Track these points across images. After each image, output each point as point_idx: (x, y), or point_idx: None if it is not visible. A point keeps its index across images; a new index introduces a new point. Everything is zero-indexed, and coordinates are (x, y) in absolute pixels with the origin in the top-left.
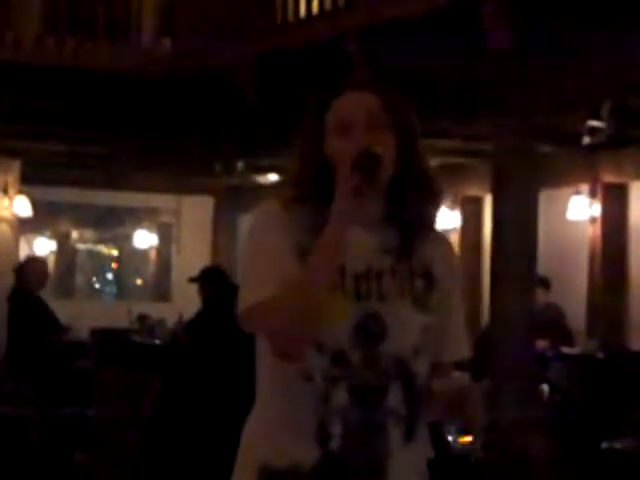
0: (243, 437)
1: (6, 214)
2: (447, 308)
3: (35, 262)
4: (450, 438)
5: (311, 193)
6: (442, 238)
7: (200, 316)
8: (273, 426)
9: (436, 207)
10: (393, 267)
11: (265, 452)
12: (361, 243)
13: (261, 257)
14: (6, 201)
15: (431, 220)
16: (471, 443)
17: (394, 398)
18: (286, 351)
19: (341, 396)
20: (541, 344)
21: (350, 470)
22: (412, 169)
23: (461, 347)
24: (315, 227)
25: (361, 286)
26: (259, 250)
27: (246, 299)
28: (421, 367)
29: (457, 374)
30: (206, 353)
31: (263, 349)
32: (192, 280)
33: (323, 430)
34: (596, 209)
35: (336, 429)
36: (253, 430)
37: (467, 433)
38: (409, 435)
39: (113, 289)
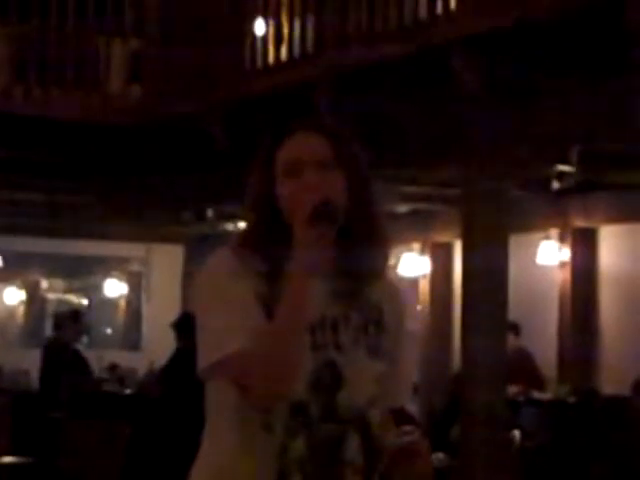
0: None
1: None
2: (395, 353)
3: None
4: None
5: (263, 238)
6: (391, 285)
7: (172, 365)
8: (230, 476)
9: (386, 254)
10: (346, 315)
11: None
12: (315, 292)
13: (222, 308)
14: None
15: (381, 268)
16: None
17: (351, 449)
18: (259, 403)
19: (299, 448)
20: (512, 389)
21: None
22: (362, 215)
23: (403, 396)
24: (272, 274)
25: (317, 336)
26: (219, 301)
27: (210, 355)
28: (375, 416)
29: (407, 427)
30: (178, 403)
31: (222, 400)
32: (173, 325)
33: None
34: (565, 254)
35: None
36: (205, 477)
37: None
38: None
39: (83, 338)
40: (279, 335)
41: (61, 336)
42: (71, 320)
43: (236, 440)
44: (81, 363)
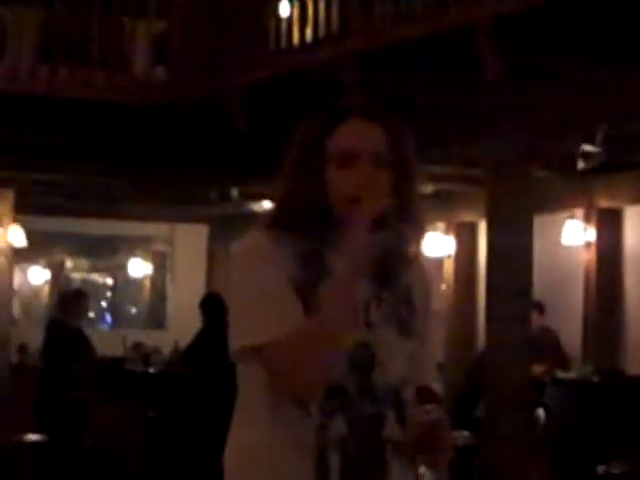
0: (229, 466)
1: (0, 244)
2: (424, 334)
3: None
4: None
5: (302, 218)
6: (421, 267)
7: (197, 344)
8: (272, 458)
9: (419, 242)
10: (378, 296)
11: None
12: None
13: (256, 294)
14: (0, 230)
15: (414, 252)
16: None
17: (390, 427)
18: (298, 394)
19: (338, 427)
20: (537, 369)
21: None
22: (404, 205)
23: (429, 375)
24: (309, 257)
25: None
26: (252, 285)
27: (242, 340)
28: (409, 394)
29: (429, 406)
30: (203, 383)
31: (255, 380)
32: (200, 304)
33: (322, 461)
34: (591, 234)
35: (334, 460)
36: (248, 462)
37: (433, 467)
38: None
39: (108, 317)
40: (318, 338)
41: (64, 315)
42: (74, 299)
43: (270, 420)
44: (82, 342)
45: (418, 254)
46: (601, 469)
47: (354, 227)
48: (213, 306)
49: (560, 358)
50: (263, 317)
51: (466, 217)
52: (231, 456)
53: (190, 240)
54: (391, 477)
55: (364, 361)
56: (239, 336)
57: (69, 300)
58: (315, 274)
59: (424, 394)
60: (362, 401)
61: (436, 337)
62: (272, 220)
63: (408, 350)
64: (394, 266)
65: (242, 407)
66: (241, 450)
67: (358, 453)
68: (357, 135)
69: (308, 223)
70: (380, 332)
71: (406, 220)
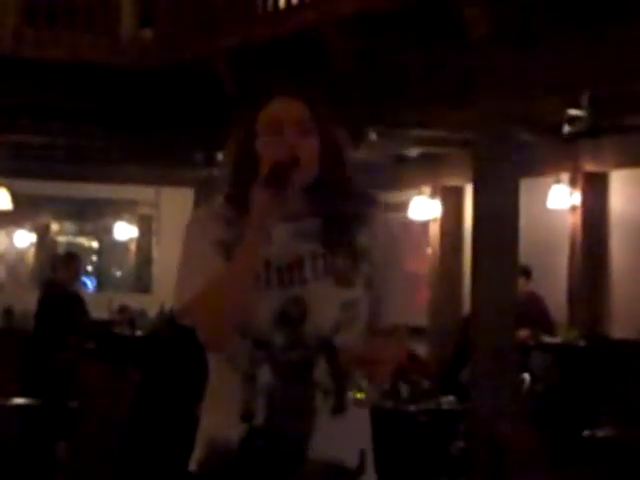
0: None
1: None
2: (379, 277)
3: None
4: None
5: (236, 195)
6: (376, 218)
7: None
8: (212, 408)
9: (357, 201)
10: (314, 253)
11: (208, 429)
12: (285, 237)
13: (189, 259)
14: None
15: (356, 209)
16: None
17: (319, 372)
18: (208, 342)
19: (265, 376)
20: (522, 333)
21: (273, 443)
22: (333, 171)
23: (397, 313)
24: (236, 224)
25: (284, 275)
26: (188, 253)
27: (177, 300)
28: (344, 341)
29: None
30: (187, 345)
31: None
32: None
33: (248, 408)
34: (576, 198)
35: (260, 406)
36: (203, 408)
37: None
38: (338, 407)
39: (93, 281)
40: (230, 272)
41: (57, 277)
42: (66, 262)
43: (212, 374)
44: (78, 304)
45: (375, 215)
46: (586, 433)
47: (260, 187)
48: None
49: (545, 322)
50: (186, 280)
51: (452, 181)
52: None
53: (176, 203)
54: (319, 421)
55: (293, 315)
56: (174, 300)
57: (62, 262)
58: (239, 234)
59: (411, 361)
60: (290, 350)
61: (399, 280)
62: (215, 190)
63: (344, 298)
64: (335, 224)
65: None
66: (206, 399)
67: (285, 398)
68: (279, 109)
69: (238, 190)
70: (313, 286)
71: (342, 190)
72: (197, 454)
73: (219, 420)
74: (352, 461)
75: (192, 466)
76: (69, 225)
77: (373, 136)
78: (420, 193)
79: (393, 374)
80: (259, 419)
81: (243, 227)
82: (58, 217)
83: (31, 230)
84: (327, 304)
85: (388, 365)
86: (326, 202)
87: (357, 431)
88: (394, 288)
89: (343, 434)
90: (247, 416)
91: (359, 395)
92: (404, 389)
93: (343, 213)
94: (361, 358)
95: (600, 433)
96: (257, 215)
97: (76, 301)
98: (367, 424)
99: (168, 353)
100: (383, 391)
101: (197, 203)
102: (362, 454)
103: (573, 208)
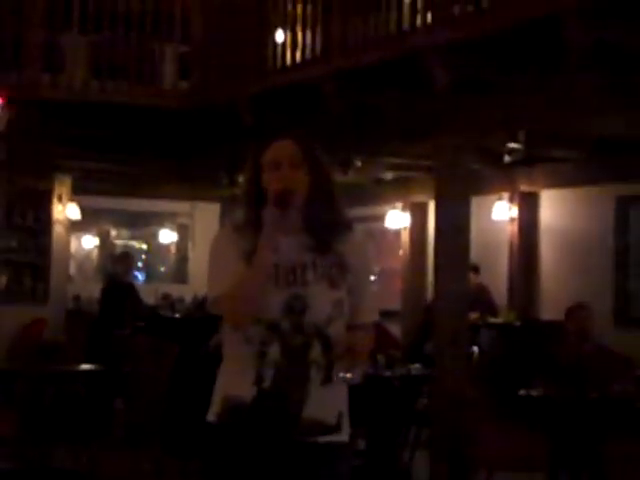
0: (217, 378)
1: (61, 217)
2: (359, 287)
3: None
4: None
5: (252, 216)
6: (353, 239)
7: None
8: (229, 374)
9: (339, 214)
10: (314, 261)
11: (226, 389)
12: (289, 247)
13: (218, 263)
14: (60, 207)
15: (339, 224)
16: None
17: (315, 353)
18: (235, 324)
19: (274, 353)
20: (473, 315)
21: (276, 403)
22: (321, 192)
23: (370, 312)
24: (255, 239)
25: (289, 277)
26: (217, 259)
27: (209, 294)
28: (334, 330)
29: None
30: (215, 324)
31: (224, 326)
32: None
33: (259, 376)
34: (514, 212)
35: (268, 375)
36: (220, 374)
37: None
38: (326, 379)
39: (143, 275)
40: (249, 274)
41: (115, 272)
42: (122, 259)
43: (229, 352)
44: (134, 293)
45: (350, 227)
46: (522, 392)
47: (269, 203)
48: None
49: (491, 307)
50: (218, 278)
51: (419, 198)
52: (218, 375)
53: (206, 215)
54: (312, 388)
55: (296, 307)
56: (208, 293)
57: (119, 259)
58: (253, 244)
59: (384, 336)
60: (294, 334)
61: (371, 289)
62: (236, 219)
63: (335, 298)
64: (325, 238)
65: (223, 341)
66: (220, 371)
67: (286, 370)
68: (277, 150)
69: (253, 213)
70: (312, 287)
71: (328, 208)
72: (214, 408)
73: (235, 383)
74: (332, 420)
75: (210, 418)
76: (124, 231)
77: (358, 163)
78: (394, 208)
79: (369, 358)
80: (267, 384)
81: (258, 239)
82: (116, 225)
83: (95, 235)
84: (322, 301)
85: (365, 351)
86: (315, 218)
87: (337, 397)
88: (369, 288)
89: (327, 400)
90: (258, 382)
91: (348, 375)
92: (381, 359)
93: (328, 227)
94: (346, 345)
95: (533, 392)
96: (268, 230)
97: (130, 290)
98: (345, 392)
99: (199, 329)
100: (364, 373)
101: (222, 215)
102: (340, 415)
103: (511, 220)
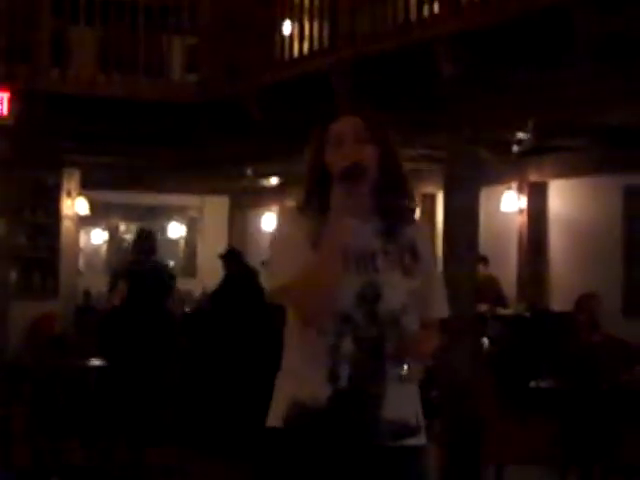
0: (277, 380)
1: (69, 212)
2: (428, 277)
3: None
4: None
5: (315, 195)
6: (421, 225)
7: (221, 288)
8: (299, 372)
9: (410, 199)
10: (384, 247)
11: (294, 390)
12: (358, 231)
13: (283, 247)
14: (69, 202)
15: (409, 209)
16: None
17: (390, 345)
18: (308, 319)
19: (348, 346)
20: (482, 307)
21: (356, 403)
22: (391, 172)
23: (441, 308)
24: (321, 220)
25: (360, 263)
26: (281, 242)
27: (273, 281)
28: (409, 321)
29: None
30: (225, 317)
31: (291, 316)
32: (220, 257)
33: (334, 373)
34: (523, 202)
35: (344, 372)
36: (284, 376)
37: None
38: (401, 376)
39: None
40: (321, 260)
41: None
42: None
43: (298, 346)
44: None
45: (415, 210)
46: (532, 384)
47: (334, 181)
48: (231, 259)
49: (500, 298)
50: (283, 265)
51: (428, 189)
52: (280, 373)
53: (215, 208)
54: (388, 385)
55: (369, 296)
56: (269, 281)
57: (144, 237)
58: (323, 228)
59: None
60: (367, 326)
61: (440, 277)
62: (299, 196)
63: (409, 286)
64: (395, 223)
65: (285, 335)
66: (283, 371)
67: (362, 365)
68: (341, 125)
69: (317, 196)
70: (385, 275)
71: (399, 189)
72: (280, 412)
73: (305, 383)
74: (413, 420)
75: (274, 422)
76: (133, 226)
77: None
78: None
79: (431, 357)
80: (343, 383)
81: (324, 222)
82: (125, 219)
83: (104, 230)
84: (397, 290)
85: (430, 353)
86: (385, 200)
87: (412, 395)
88: (440, 280)
89: (406, 398)
90: (333, 380)
91: (404, 372)
92: None
93: (399, 210)
94: (415, 342)
95: (543, 384)
96: (335, 212)
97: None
98: (417, 390)
99: (208, 322)
100: (425, 368)
101: (232, 208)
102: (418, 415)
103: (520, 210)
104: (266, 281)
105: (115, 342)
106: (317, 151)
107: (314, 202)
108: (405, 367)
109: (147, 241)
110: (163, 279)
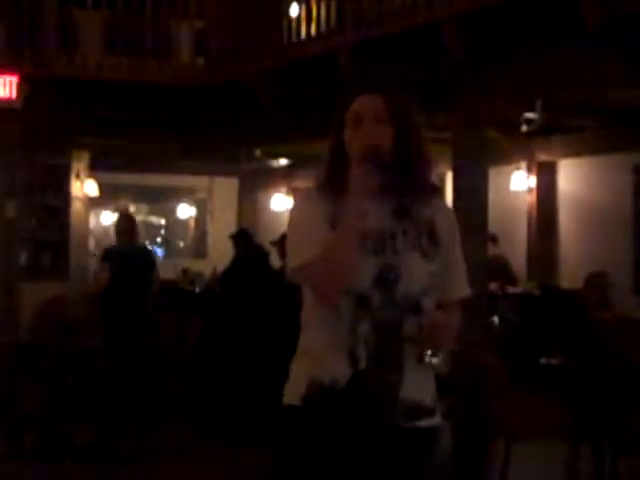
0: (294, 360)
1: (79, 194)
2: (449, 259)
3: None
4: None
5: (334, 174)
6: (442, 205)
7: (231, 268)
8: (318, 352)
9: (429, 181)
10: (404, 228)
11: (313, 370)
12: (376, 212)
13: (302, 227)
14: (78, 184)
15: (427, 190)
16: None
17: (409, 328)
18: (324, 297)
19: (364, 329)
20: (492, 286)
21: (374, 384)
22: (409, 152)
23: (461, 287)
24: (339, 200)
25: (378, 245)
26: (300, 222)
27: (292, 261)
28: (429, 303)
29: (438, 313)
30: (236, 297)
31: (308, 296)
32: (231, 237)
33: (353, 354)
34: (532, 181)
35: (361, 354)
36: (302, 355)
37: (435, 351)
38: (420, 358)
39: (162, 250)
40: (339, 240)
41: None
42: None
43: (317, 327)
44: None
45: (436, 190)
46: (543, 361)
47: (353, 161)
48: (242, 239)
49: (510, 277)
50: (301, 245)
51: (437, 169)
52: (297, 353)
53: (224, 190)
54: (406, 368)
55: (388, 278)
56: (289, 260)
57: (123, 219)
58: (341, 207)
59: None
60: (385, 309)
61: (460, 255)
62: (318, 175)
63: (429, 269)
64: (414, 203)
65: (303, 316)
66: (299, 348)
67: (380, 348)
68: (361, 103)
69: (335, 176)
70: (404, 257)
71: (417, 169)
72: (298, 390)
73: (324, 363)
74: (429, 401)
75: (292, 401)
76: (143, 207)
77: None
78: None
79: (455, 342)
80: (362, 364)
81: (343, 202)
82: (135, 201)
83: (114, 211)
84: (416, 272)
85: (454, 335)
86: (403, 181)
87: (429, 377)
88: (460, 259)
89: (423, 379)
90: (353, 361)
91: (434, 361)
92: None
93: (418, 191)
94: (435, 325)
95: (553, 361)
96: (354, 193)
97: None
98: (432, 374)
99: (218, 303)
100: (449, 362)
101: (241, 189)
102: (433, 396)
103: (530, 189)
104: (288, 261)
105: (111, 323)
106: (337, 131)
107: (332, 183)
108: (435, 359)
109: (126, 223)
110: (143, 260)
